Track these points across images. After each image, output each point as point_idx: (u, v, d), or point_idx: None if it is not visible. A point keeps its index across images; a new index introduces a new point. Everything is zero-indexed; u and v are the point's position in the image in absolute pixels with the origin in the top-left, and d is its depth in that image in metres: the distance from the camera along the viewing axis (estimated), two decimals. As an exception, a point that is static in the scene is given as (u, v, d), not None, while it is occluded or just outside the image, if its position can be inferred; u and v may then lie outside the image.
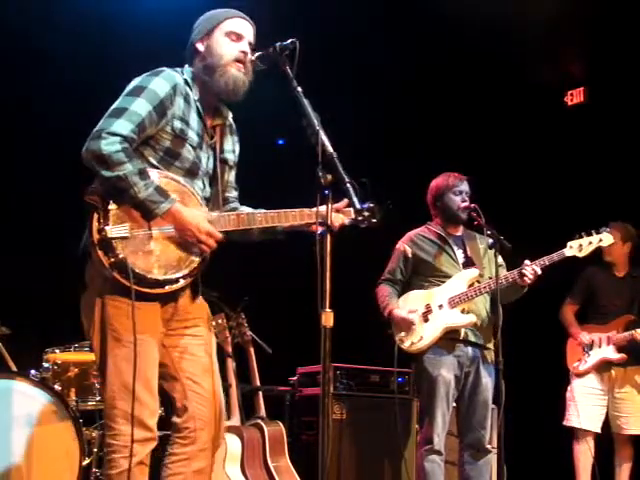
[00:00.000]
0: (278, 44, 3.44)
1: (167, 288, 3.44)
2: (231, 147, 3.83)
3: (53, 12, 6.58)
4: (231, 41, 3.62)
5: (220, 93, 3.63)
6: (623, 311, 6.44)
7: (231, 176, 3.86)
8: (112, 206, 3.36)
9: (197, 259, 3.48)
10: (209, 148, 3.69)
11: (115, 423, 3.42)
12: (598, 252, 5.60)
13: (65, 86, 6.66)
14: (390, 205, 3.69)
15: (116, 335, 3.41)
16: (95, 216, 3.36)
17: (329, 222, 3.12)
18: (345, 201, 3.65)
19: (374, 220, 3.72)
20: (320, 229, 3.15)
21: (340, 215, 3.63)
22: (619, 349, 6.30)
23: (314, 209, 3.50)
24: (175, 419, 3.57)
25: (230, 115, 3.80)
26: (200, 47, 3.66)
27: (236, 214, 3.64)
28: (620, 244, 6.42)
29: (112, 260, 3.32)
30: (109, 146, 3.31)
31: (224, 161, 3.78)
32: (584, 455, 6.35)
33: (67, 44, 6.58)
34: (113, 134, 3.34)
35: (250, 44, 3.63)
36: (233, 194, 3.87)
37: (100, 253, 3.33)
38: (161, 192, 3.37)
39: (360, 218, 3.70)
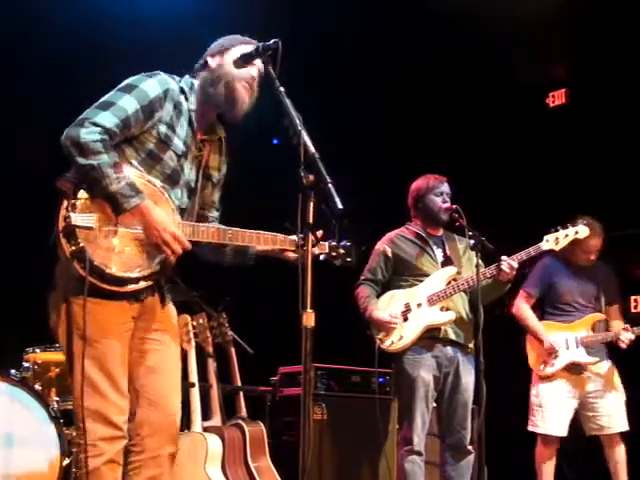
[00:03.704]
0: (261, 44, 3.44)
1: (128, 288, 3.40)
2: (217, 165, 3.80)
3: (49, 11, 6.58)
4: (243, 63, 3.61)
5: (220, 107, 3.63)
6: (589, 309, 6.32)
7: (215, 195, 3.84)
8: (82, 195, 3.33)
9: (159, 262, 3.44)
10: (195, 160, 3.68)
11: (82, 422, 3.39)
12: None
13: (59, 84, 6.67)
14: (365, 249, 3.70)
15: (81, 334, 3.38)
16: (64, 203, 3.33)
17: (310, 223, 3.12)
18: (319, 233, 3.65)
19: (349, 260, 3.74)
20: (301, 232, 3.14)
21: (315, 249, 3.62)
22: (589, 351, 6.20)
23: (288, 237, 3.60)
24: (127, 425, 3.52)
25: (223, 134, 3.78)
26: (211, 62, 3.66)
27: (205, 226, 3.62)
28: (600, 241, 6.26)
29: (73, 249, 3.29)
30: (88, 135, 3.31)
31: (208, 177, 3.76)
32: (549, 460, 6.26)
33: (61, 43, 6.58)
34: (95, 124, 3.34)
35: (260, 73, 3.61)
36: (214, 214, 3.85)
37: (63, 241, 3.30)
38: (133, 188, 3.35)
39: (334, 254, 3.72)
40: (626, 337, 6.11)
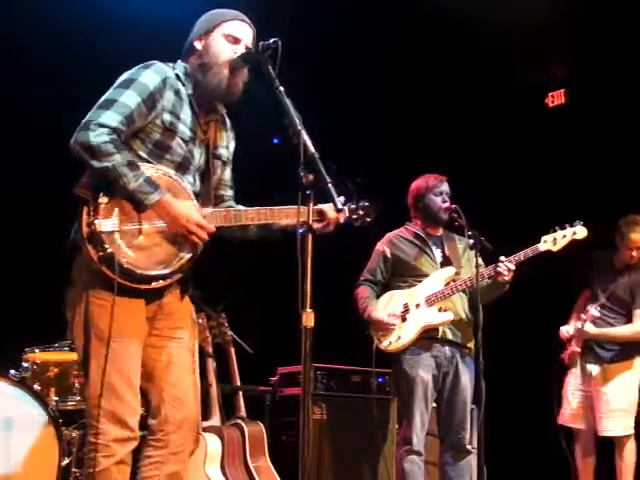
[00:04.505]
0: (261, 43, 3.44)
1: (155, 284, 3.41)
2: (225, 143, 3.80)
3: (49, 12, 6.58)
4: (229, 43, 3.62)
5: (212, 93, 3.62)
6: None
7: (226, 174, 3.83)
8: (102, 199, 3.34)
9: (187, 255, 3.45)
10: (202, 143, 3.67)
11: (97, 422, 3.39)
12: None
13: (56, 84, 6.68)
14: (381, 206, 3.70)
15: (99, 333, 3.39)
16: (85, 209, 3.34)
17: (310, 222, 3.12)
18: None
19: (368, 219, 3.74)
20: (300, 228, 3.15)
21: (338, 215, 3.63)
22: (577, 342, 6.21)
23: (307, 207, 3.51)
24: (149, 421, 3.55)
25: (224, 111, 3.78)
26: (198, 45, 3.66)
27: (226, 210, 3.62)
28: None
29: (101, 254, 3.30)
30: (98, 137, 3.31)
31: (217, 157, 3.75)
32: (579, 454, 6.26)
33: (61, 43, 6.59)
34: (102, 125, 3.33)
35: (247, 47, 3.62)
36: (228, 192, 3.84)
37: (89, 247, 3.31)
38: (151, 183, 3.36)
39: (354, 217, 3.72)
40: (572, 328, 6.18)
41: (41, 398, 5.03)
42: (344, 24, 7.32)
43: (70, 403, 5.41)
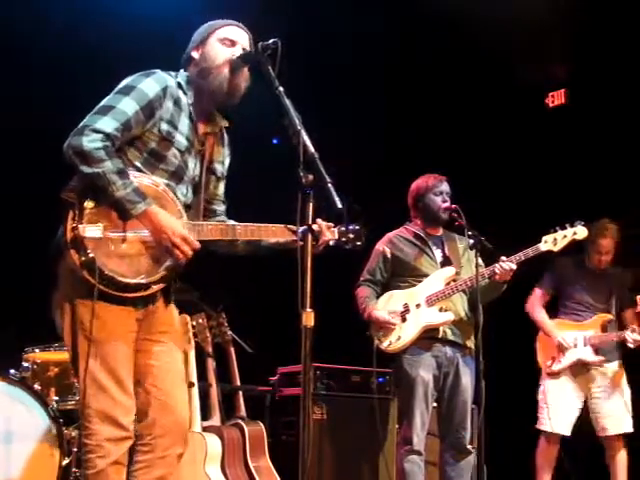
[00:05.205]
0: (260, 44, 3.43)
1: (137, 293, 3.40)
2: (221, 158, 3.79)
3: (49, 12, 6.58)
4: (225, 46, 3.62)
5: (215, 95, 3.60)
6: (599, 309, 6.35)
7: (219, 189, 3.83)
8: (88, 204, 3.33)
9: (170, 265, 3.43)
10: (198, 155, 3.66)
11: (89, 423, 3.39)
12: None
13: (56, 84, 6.68)
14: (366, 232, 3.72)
15: (87, 334, 3.38)
16: (70, 214, 3.32)
17: (310, 222, 3.12)
18: (328, 224, 3.66)
19: (359, 243, 3.75)
20: (301, 228, 3.14)
21: (328, 233, 3.63)
22: (596, 350, 6.23)
23: (296, 227, 3.48)
24: (136, 425, 3.51)
25: (224, 124, 3.77)
26: (195, 55, 3.66)
27: (215, 224, 3.62)
28: (615, 241, 6.33)
29: (83, 259, 3.28)
30: (91, 143, 3.30)
31: (211, 171, 3.75)
32: (549, 457, 6.30)
33: (61, 43, 6.59)
34: (96, 131, 3.32)
35: (244, 50, 3.62)
36: (221, 207, 3.84)
37: (72, 252, 3.29)
38: (139, 193, 3.34)
39: (344, 240, 3.73)
40: (631, 337, 6.11)
41: (41, 398, 5.03)
42: (344, 24, 7.31)
43: (70, 403, 5.40)
